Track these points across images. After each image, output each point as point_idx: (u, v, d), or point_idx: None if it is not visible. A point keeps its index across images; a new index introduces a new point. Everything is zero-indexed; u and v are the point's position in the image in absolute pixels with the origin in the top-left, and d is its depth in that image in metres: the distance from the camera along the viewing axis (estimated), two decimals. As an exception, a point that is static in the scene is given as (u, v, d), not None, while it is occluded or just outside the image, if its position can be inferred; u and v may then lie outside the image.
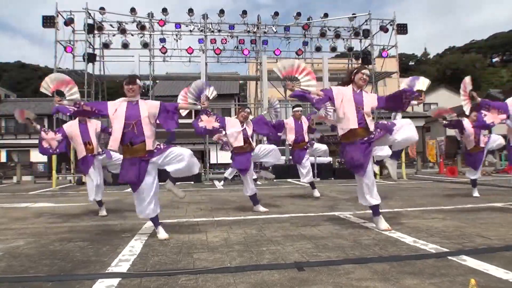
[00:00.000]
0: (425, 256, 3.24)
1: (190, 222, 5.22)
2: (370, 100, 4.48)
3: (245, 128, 6.05)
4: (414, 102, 4.69)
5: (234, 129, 5.95)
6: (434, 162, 22.96)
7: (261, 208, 6.11)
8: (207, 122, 5.70)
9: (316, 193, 7.77)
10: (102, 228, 4.93)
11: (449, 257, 3.17)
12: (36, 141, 6.32)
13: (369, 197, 4.41)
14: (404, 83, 5.11)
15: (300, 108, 7.77)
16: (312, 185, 7.88)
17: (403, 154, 15.48)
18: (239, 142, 5.94)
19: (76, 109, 4.20)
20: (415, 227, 4.49)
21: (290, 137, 7.47)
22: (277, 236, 4.15)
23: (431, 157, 23.46)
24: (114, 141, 4.07)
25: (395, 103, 4.50)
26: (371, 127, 4.37)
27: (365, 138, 4.34)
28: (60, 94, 5.55)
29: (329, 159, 13.92)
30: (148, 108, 4.14)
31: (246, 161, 6.02)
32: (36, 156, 28.49)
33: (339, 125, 4.49)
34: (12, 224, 5.33)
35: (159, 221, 4.27)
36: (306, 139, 7.62)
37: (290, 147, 7.90)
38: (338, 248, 3.57)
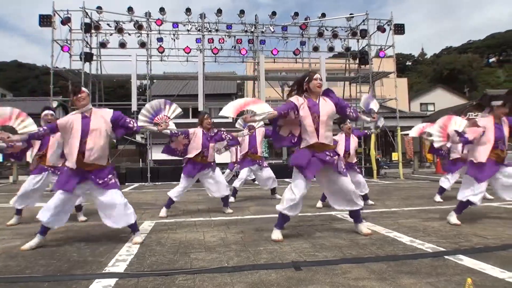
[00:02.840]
0: (422, 255, 3.25)
1: (187, 222, 5.22)
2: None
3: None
4: (366, 118, 4.77)
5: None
6: (431, 162, 23.02)
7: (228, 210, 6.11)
8: (178, 143, 5.82)
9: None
10: (99, 228, 4.91)
11: (446, 257, 3.18)
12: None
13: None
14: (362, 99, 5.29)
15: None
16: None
17: (400, 154, 15.53)
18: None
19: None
20: (412, 227, 4.50)
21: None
22: (275, 236, 4.15)
23: (429, 156, 23.55)
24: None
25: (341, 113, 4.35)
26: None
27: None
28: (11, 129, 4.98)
29: None
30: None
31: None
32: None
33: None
34: (9, 224, 5.32)
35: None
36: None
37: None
38: (335, 248, 3.58)
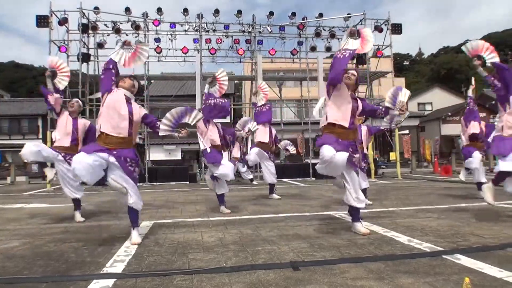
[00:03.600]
0: (420, 255, 3.26)
1: (185, 222, 5.22)
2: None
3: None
4: (395, 112, 4.68)
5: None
6: (429, 162, 23.09)
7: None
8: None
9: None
10: (97, 228, 4.91)
11: (444, 256, 3.18)
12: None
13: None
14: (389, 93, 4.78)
15: None
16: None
17: (397, 154, 15.55)
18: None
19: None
20: (409, 226, 4.51)
21: None
22: (273, 236, 4.15)
23: (427, 156, 23.65)
24: None
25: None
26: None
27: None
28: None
29: None
30: None
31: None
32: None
33: None
34: (6, 225, 5.30)
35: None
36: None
37: None
38: (333, 248, 3.58)
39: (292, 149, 8.82)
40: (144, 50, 4.41)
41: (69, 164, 5.10)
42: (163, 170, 15.06)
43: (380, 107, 4.50)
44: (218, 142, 6.08)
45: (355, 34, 4.12)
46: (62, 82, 5.91)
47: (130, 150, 3.98)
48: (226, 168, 5.81)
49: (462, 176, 7.46)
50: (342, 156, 3.86)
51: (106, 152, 3.83)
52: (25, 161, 5.64)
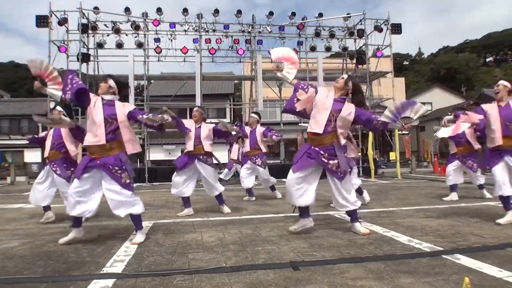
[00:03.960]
0: (420, 255, 3.26)
1: (185, 222, 5.21)
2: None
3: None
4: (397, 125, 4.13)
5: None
6: (429, 161, 23.08)
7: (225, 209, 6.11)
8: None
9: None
10: (97, 228, 4.91)
11: (444, 256, 3.19)
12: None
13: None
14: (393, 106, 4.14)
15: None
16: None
17: (397, 154, 15.55)
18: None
19: None
20: (409, 226, 4.51)
21: None
22: (272, 236, 4.15)
23: (427, 155, 23.67)
24: None
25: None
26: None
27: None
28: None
29: None
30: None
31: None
32: (30, 157, 28.32)
33: None
34: (6, 225, 5.30)
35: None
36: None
37: None
38: (333, 248, 3.58)
39: (273, 137, 7.72)
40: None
41: (54, 171, 5.50)
42: (163, 170, 15.04)
43: (377, 119, 4.10)
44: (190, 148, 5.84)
45: (281, 67, 4.50)
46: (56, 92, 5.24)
47: (112, 157, 3.91)
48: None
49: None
50: (288, 181, 4.18)
51: (92, 163, 3.90)
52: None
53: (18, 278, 2.88)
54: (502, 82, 4.91)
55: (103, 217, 5.88)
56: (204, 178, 5.92)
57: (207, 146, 5.83)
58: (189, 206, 5.97)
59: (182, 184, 5.83)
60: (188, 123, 5.88)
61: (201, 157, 5.81)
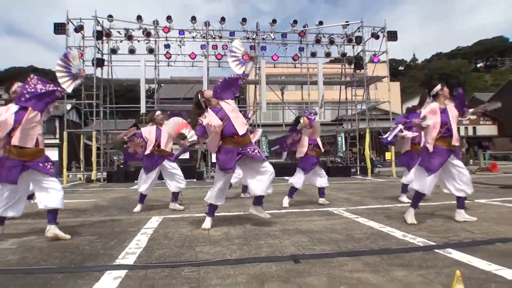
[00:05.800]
0: (414, 249, 3.25)
1: (193, 217, 5.22)
2: None
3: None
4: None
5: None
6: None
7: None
8: (134, 145, 5.88)
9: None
10: (110, 223, 4.93)
11: (436, 250, 3.18)
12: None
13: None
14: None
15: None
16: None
17: (393, 154, 15.50)
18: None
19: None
20: (404, 222, 4.49)
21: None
22: (275, 231, 4.15)
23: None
24: None
25: None
26: None
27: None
28: None
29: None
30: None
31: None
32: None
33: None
34: (25, 219, 5.32)
35: None
36: None
37: None
38: (332, 242, 3.58)
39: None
40: None
41: None
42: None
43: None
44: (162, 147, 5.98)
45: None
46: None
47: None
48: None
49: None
50: None
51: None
52: None
53: (37, 268, 2.90)
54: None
55: (115, 212, 5.92)
56: (169, 174, 6.15)
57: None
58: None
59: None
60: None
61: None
